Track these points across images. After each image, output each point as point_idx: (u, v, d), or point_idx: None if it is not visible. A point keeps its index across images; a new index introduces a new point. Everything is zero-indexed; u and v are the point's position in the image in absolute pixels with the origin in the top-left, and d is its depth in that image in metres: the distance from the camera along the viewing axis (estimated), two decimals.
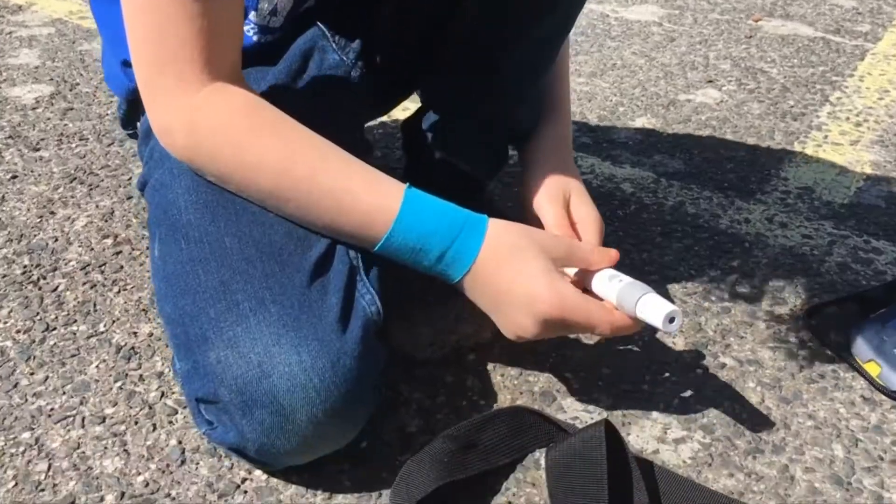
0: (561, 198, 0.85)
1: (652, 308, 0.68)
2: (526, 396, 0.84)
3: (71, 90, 1.45)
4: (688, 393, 0.85)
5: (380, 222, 0.68)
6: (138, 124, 0.92)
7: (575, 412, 0.82)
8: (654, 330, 0.93)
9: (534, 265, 0.68)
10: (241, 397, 0.65)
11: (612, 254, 0.75)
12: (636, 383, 0.86)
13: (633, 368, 0.88)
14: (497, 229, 0.70)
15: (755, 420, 0.82)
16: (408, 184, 0.70)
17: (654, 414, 0.82)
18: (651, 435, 0.80)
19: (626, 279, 0.72)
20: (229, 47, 0.67)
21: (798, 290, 1.01)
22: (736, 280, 1.02)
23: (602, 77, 1.62)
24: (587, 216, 0.84)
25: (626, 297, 0.70)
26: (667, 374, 0.87)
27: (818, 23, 1.95)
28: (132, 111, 0.92)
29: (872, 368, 0.86)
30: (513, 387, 0.85)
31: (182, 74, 0.64)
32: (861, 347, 0.88)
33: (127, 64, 0.84)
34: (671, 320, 0.67)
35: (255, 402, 0.64)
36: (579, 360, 0.89)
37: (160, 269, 0.73)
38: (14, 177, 1.18)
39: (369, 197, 0.68)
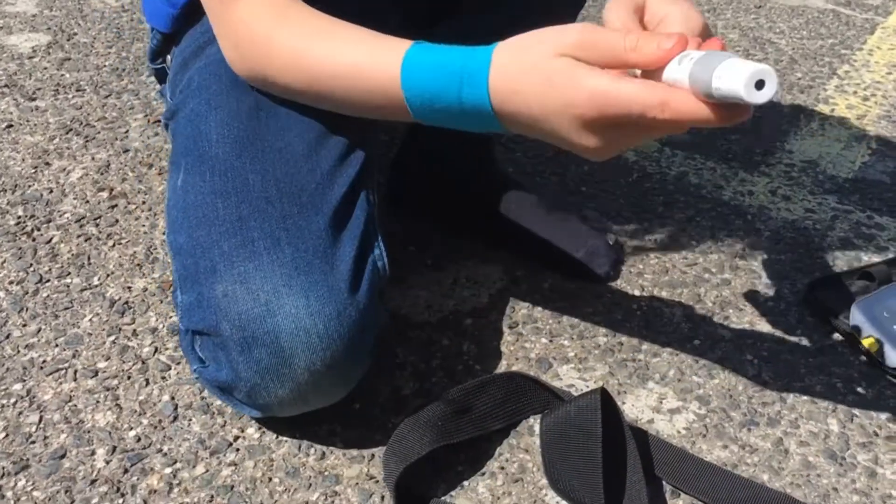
0: (629, 2, 0.63)
1: (732, 72, 0.48)
2: (522, 362, 0.84)
3: (69, 40, 1.43)
4: (684, 364, 0.85)
5: (394, 90, 0.63)
6: (168, 57, 0.91)
7: (571, 380, 0.82)
8: (652, 297, 0.93)
9: (548, 72, 0.56)
10: (242, 333, 0.64)
11: (674, 38, 0.53)
12: (633, 352, 0.86)
13: (630, 337, 0.87)
14: (501, 57, 0.58)
15: (751, 392, 0.81)
16: (412, 43, 0.63)
17: (650, 384, 0.82)
18: (646, 404, 0.79)
19: (701, 52, 0.52)
20: None
21: (799, 265, 1.00)
22: (737, 252, 1.02)
23: None
24: (671, 13, 0.60)
25: (700, 73, 0.50)
26: (664, 345, 0.87)
27: None
28: (165, 44, 0.91)
29: (871, 344, 0.85)
30: (509, 353, 0.85)
31: None
32: (860, 323, 0.87)
33: None
34: (759, 85, 0.48)
35: (255, 339, 0.64)
36: (577, 327, 0.88)
37: (180, 199, 0.73)
38: (9, 126, 1.17)
39: (377, 71, 0.63)
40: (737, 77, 0.48)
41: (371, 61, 0.63)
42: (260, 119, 0.73)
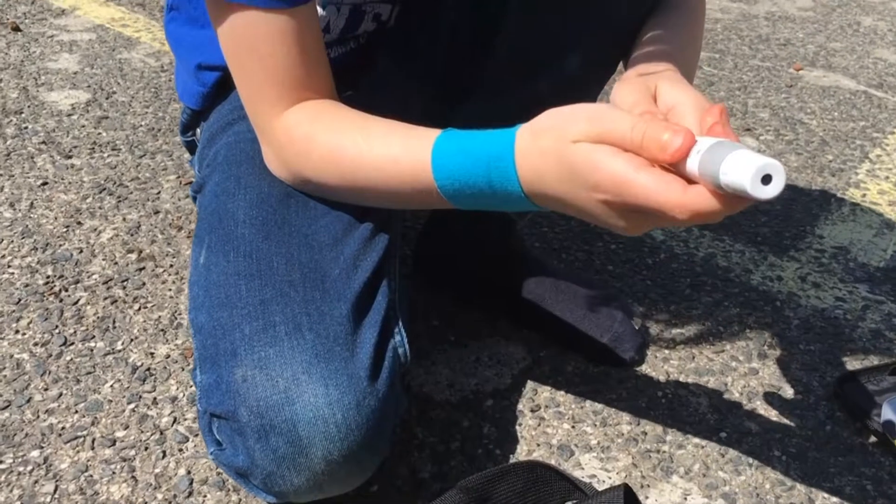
0: (642, 86, 0.64)
1: (739, 166, 0.47)
2: (543, 449, 0.82)
3: (107, 98, 1.46)
4: (710, 457, 0.83)
5: (426, 178, 0.64)
6: (198, 130, 0.93)
7: (593, 469, 0.80)
8: (677, 385, 0.91)
9: (567, 158, 0.55)
10: (260, 420, 0.64)
11: (679, 137, 0.51)
12: (658, 443, 0.84)
13: (654, 427, 0.86)
14: (523, 140, 0.58)
15: (778, 492, 0.79)
16: (441, 132, 0.64)
17: (675, 478, 0.80)
18: (670, 500, 0.77)
19: (711, 141, 0.50)
20: (308, 77, 0.69)
21: (828, 356, 0.98)
22: (765, 341, 1.00)
23: None
24: (680, 101, 0.60)
25: (708, 164, 0.49)
26: (690, 436, 0.85)
27: (861, 76, 1.92)
28: (195, 118, 0.93)
29: None
30: (530, 437, 0.83)
31: (265, 111, 0.70)
32: (892, 421, 0.85)
33: (201, 67, 0.87)
34: (766, 179, 0.46)
35: (273, 427, 0.63)
36: (600, 414, 0.87)
37: (202, 277, 0.73)
38: (44, 183, 1.18)
39: (409, 161, 0.64)
40: (743, 172, 0.46)
41: (403, 152, 0.64)
42: (290, 206, 0.73)
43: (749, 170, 0.46)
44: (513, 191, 0.60)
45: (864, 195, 1.38)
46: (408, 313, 0.76)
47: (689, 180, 0.51)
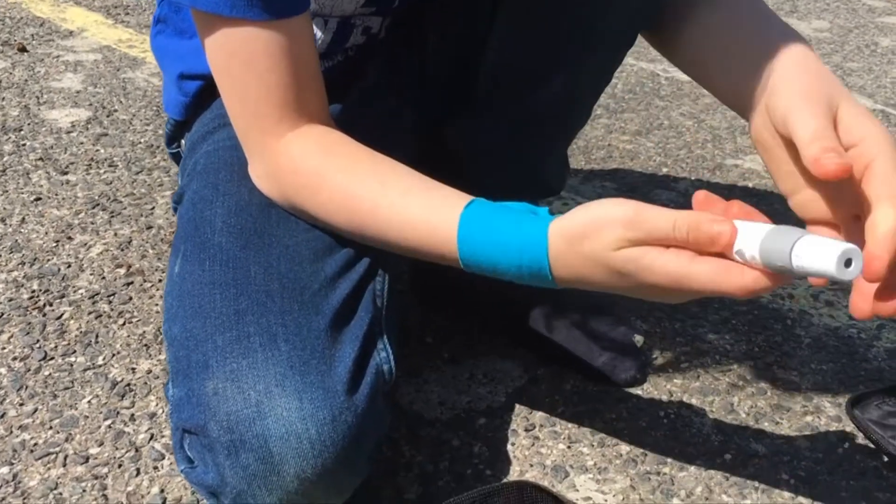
0: (823, 103, 0.60)
1: (817, 252, 0.49)
2: (536, 469, 0.78)
3: (108, 116, 1.44)
4: (713, 480, 0.78)
5: (448, 251, 0.63)
6: (182, 141, 0.91)
7: (588, 492, 0.76)
8: (681, 404, 0.87)
9: (614, 266, 0.56)
10: (229, 435, 0.60)
11: (726, 230, 0.53)
12: (657, 465, 0.80)
13: (655, 448, 0.82)
14: (558, 243, 0.59)
15: None
16: (466, 203, 0.62)
17: (675, 501, 0.76)
18: None
19: (766, 227, 0.53)
20: (305, 95, 0.67)
21: (842, 376, 0.94)
22: (775, 360, 0.96)
23: (647, 136, 1.57)
24: (868, 137, 0.58)
25: (773, 254, 0.51)
26: (692, 458, 0.81)
27: (878, 95, 1.88)
28: (179, 130, 0.91)
29: None
30: (523, 458, 0.79)
31: (264, 129, 0.67)
32: None
33: (183, 77, 0.85)
34: (847, 263, 0.49)
35: (243, 443, 0.60)
36: (598, 433, 0.83)
37: (176, 287, 0.70)
38: (37, 199, 1.17)
39: (428, 227, 0.63)
40: (826, 259, 0.49)
41: (425, 217, 0.63)
42: (270, 216, 0.71)
43: (832, 257, 0.49)
44: (544, 280, 0.61)
45: None
46: (396, 329, 0.73)
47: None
